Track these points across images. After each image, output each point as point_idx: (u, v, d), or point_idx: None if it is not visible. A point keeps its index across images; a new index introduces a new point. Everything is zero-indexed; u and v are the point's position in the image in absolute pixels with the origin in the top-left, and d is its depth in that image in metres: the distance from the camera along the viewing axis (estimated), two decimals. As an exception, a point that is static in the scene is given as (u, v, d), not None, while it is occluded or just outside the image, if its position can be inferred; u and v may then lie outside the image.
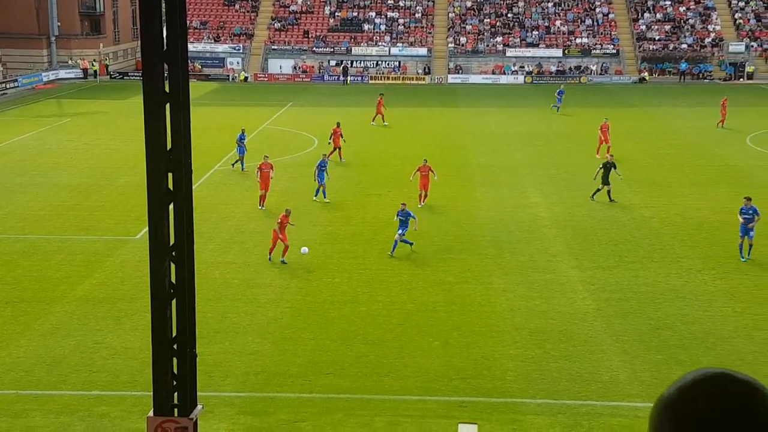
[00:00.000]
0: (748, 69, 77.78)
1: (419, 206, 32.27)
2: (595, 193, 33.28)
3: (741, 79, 77.22)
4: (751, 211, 25.99)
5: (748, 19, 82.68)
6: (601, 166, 33.63)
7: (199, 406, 11.06)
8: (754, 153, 43.40)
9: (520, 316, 22.07)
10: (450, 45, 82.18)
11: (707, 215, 31.52)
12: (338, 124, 42.13)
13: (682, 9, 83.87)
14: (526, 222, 30.85)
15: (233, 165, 39.05)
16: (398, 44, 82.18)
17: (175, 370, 10.77)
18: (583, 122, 54.55)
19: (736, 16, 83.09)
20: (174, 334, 10.69)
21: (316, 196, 33.50)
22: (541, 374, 18.78)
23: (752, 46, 79.91)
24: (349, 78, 78.01)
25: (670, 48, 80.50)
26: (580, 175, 38.34)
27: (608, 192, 33.12)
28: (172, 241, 10.49)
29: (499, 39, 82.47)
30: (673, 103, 63.49)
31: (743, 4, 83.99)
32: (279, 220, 26.24)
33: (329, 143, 41.41)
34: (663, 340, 20.48)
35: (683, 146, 45.34)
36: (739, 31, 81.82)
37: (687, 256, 26.93)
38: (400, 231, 26.83)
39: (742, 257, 26.22)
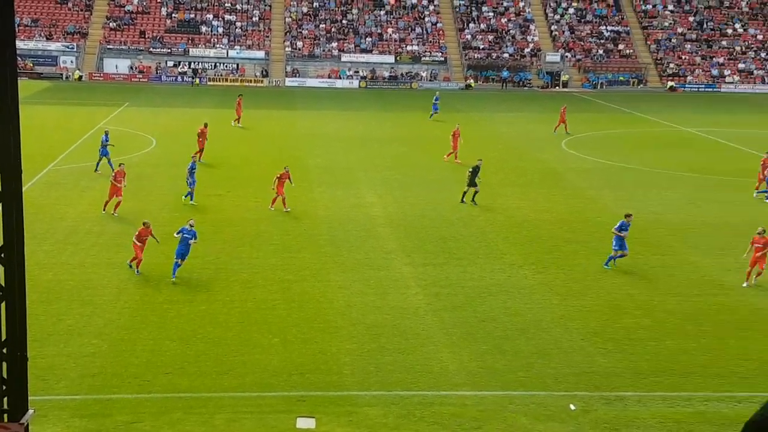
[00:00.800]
0: (563, 78, 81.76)
1: (270, 208, 31.88)
2: (464, 196, 33.89)
3: (557, 87, 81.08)
4: (628, 227, 25.86)
5: (563, 32, 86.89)
6: (470, 169, 34.26)
7: (31, 411, 10.49)
8: (568, 156, 45.62)
9: (356, 312, 22.24)
10: (287, 49, 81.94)
11: (528, 214, 32.84)
12: (206, 125, 41.25)
13: (503, 20, 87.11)
14: (362, 221, 31.15)
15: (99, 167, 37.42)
16: (236, 47, 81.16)
17: (5, 375, 10.18)
18: (413, 126, 55.74)
19: (552, 28, 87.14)
20: (3, 338, 10.11)
21: (185, 197, 32.71)
22: (377, 367, 19.00)
23: (567, 57, 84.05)
24: (197, 80, 76.70)
25: (493, 57, 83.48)
26: (412, 176, 39.13)
27: (474, 194, 33.78)
28: (1, 243, 9.90)
29: (334, 44, 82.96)
30: (497, 108, 65.83)
31: (558, 17, 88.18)
32: (138, 233, 24.75)
33: (204, 143, 40.56)
34: (488, 332, 21.15)
35: (506, 149, 47.05)
36: (555, 42, 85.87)
37: (510, 253, 27.94)
38: (183, 256, 24.09)
39: (607, 265, 26.15)
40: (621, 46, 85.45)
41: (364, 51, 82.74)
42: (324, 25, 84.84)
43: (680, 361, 19.74)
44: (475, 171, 33.82)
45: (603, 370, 19.19)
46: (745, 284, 24.79)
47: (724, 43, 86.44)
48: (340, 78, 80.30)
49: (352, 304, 22.85)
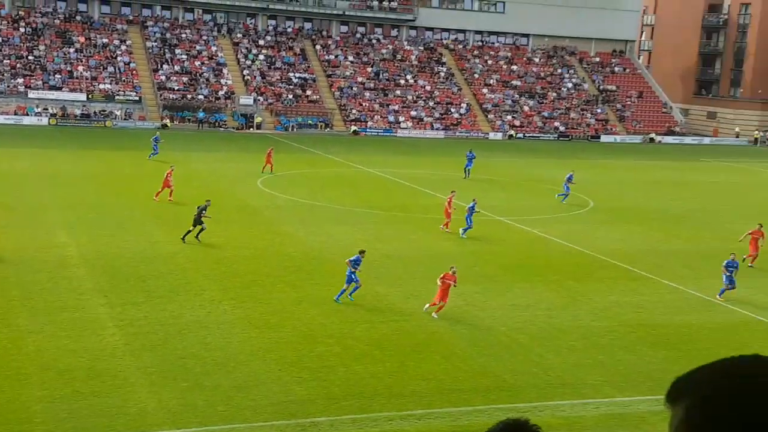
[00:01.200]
0: (257, 120, 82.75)
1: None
2: (186, 234, 32.81)
3: (251, 129, 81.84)
4: (359, 263, 26.40)
5: (255, 77, 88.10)
6: (198, 209, 33.28)
7: None
8: (263, 194, 46.09)
9: (48, 357, 20.59)
10: (-32, 83, 75.01)
11: (226, 250, 32.58)
12: None
13: (197, 63, 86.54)
14: (54, 262, 29.07)
15: None
16: None
17: None
18: (108, 165, 53.44)
19: (244, 72, 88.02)
20: None
21: None
22: (70, 413, 17.66)
23: (259, 100, 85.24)
24: None
25: (189, 98, 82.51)
26: (108, 215, 37.33)
27: (199, 231, 32.88)
28: None
29: (20, 80, 77.35)
30: (194, 148, 64.96)
31: (250, 62, 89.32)
32: None
33: None
34: (188, 369, 20.55)
35: (204, 187, 46.41)
36: (248, 86, 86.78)
37: (209, 289, 27.48)
38: None
39: (339, 298, 26.36)
40: (309, 92, 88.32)
41: (53, 88, 77.96)
42: (9, 61, 78.87)
43: (368, 384, 20.49)
44: (201, 210, 33.27)
45: (299, 398, 19.40)
46: (426, 307, 26.15)
47: (398, 92, 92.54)
48: (27, 115, 74.91)
49: (43, 348, 21.13)
